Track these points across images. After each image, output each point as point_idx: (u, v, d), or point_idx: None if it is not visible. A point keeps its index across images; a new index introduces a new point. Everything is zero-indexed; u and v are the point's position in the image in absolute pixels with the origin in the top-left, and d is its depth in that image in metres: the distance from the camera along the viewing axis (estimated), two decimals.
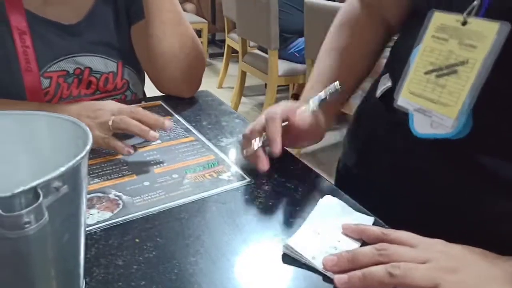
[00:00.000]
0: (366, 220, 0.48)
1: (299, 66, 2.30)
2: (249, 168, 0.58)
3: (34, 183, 0.26)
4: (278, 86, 2.31)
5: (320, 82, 0.62)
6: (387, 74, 0.58)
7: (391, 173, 0.56)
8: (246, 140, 0.57)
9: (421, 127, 0.48)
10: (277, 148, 0.53)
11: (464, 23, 0.44)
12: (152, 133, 0.58)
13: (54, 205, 0.28)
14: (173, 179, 0.55)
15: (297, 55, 2.32)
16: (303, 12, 1.96)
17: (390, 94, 0.52)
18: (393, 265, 0.36)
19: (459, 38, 0.44)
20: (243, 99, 2.92)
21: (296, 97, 2.74)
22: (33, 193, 0.26)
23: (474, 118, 0.43)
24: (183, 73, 0.79)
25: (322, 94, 0.57)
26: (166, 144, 0.64)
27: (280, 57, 2.26)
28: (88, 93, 0.79)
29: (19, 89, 0.71)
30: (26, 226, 0.25)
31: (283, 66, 2.29)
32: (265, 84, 2.92)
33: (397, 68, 0.52)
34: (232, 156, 0.61)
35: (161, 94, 0.84)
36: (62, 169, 0.28)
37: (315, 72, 0.66)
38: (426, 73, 0.47)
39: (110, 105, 0.61)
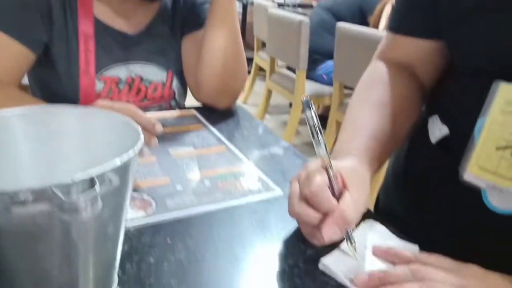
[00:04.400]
0: (409, 248, 0.44)
1: (326, 88, 2.31)
2: (279, 180, 0.59)
3: (91, 173, 0.28)
4: None
5: (359, 136, 0.53)
6: (437, 117, 0.54)
7: (448, 227, 0.52)
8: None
9: (500, 202, 0.45)
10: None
11: None
12: (154, 141, 0.56)
13: (106, 196, 0.29)
14: (205, 185, 0.56)
15: (325, 77, 2.33)
16: (335, 36, 1.98)
17: (447, 142, 0.50)
18: (428, 286, 0.35)
19: None
20: (267, 116, 2.95)
21: (321, 118, 2.75)
22: (90, 182, 0.28)
23: None
24: (225, 84, 0.81)
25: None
26: (199, 151, 0.66)
27: (307, 78, 2.28)
28: (136, 100, 0.82)
29: (74, 90, 0.75)
30: (82, 211, 0.26)
31: (310, 86, 2.31)
32: (290, 104, 2.95)
33: (452, 118, 0.49)
34: (262, 168, 0.62)
35: (196, 105, 0.87)
36: (117, 162, 0.29)
37: (352, 124, 0.56)
38: (498, 148, 0.44)
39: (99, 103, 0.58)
